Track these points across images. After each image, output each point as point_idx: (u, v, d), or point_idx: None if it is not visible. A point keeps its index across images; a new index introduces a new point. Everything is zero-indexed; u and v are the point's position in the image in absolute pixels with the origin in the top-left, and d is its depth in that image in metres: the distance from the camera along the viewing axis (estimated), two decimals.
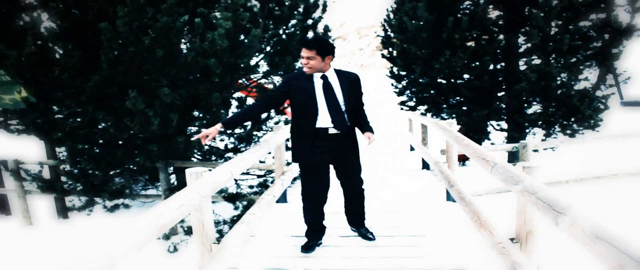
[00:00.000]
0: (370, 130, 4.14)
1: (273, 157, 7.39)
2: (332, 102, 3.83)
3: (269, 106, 4.19)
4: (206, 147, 8.85)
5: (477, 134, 10.65)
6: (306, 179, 4.15)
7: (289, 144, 7.42)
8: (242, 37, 7.10)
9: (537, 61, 9.70)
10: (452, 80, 10.80)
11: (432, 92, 12.07)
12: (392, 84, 15.64)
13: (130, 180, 9.11)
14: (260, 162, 8.03)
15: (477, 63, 10.30)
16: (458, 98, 11.21)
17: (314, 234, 4.36)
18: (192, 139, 4.19)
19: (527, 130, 10.59)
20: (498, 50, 10.25)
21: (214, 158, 8.85)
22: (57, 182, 8.83)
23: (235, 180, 9.23)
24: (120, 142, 7.35)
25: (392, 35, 16.20)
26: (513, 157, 9.88)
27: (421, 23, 10.21)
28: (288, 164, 6.24)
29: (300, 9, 9.03)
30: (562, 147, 10.58)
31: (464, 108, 10.88)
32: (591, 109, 9.34)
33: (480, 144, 9.41)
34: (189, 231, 8.01)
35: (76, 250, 6.83)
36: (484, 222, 3.75)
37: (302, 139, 3.97)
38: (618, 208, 6.87)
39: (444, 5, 9.91)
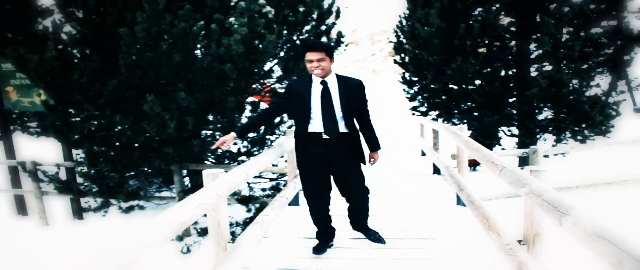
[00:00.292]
0: (376, 148, 4.18)
1: (285, 161, 7.53)
2: (327, 108, 3.82)
3: (276, 113, 4.28)
4: (220, 151, 8.98)
5: (488, 139, 10.69)
6: (304, 182, 4.21)
7: None
8: (257, 42, 7.22)
9: (548, 67, 9.74)
10: (464, 86, 10.85)
11: (443, 97, 12.14)
12: (404, 90, 15.72)
13: (145, 182, 9.25)
14: (273, 165, 8.15)
15: (489, 69, 10.36)
16: (469, 104, 11.26)
17: (324, 236, 4.44)
18: (212, 147, 4.31)
19: (537, 136, 10.62)
20: (509, 57, 10.31)
21: (227, 161, 8.98)
22: (74, 183, 8.99)
23: (248, 183, 9.36)
24: (136, 145, 7.50)
25: (404, 41, 16.29)
26: (523, 162, 9.91)
27: (433, 29, 10.30)
28: None
29: (314, 15, 9.15)
30: (573, 153, 10.59)
31: (475, 114, 10.93)
32: (603, 116, 9.35)
33: (491, 150, 9.47)
34: (202, 233, 8.14)
35: (92, 250, 6.98)
36: (492, 224, 3.83)
37: (298, 142, 4.06)
38: (628, 214, 6.87)
39: (456, 12, 9.99)
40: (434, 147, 9.26)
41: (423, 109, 14.04)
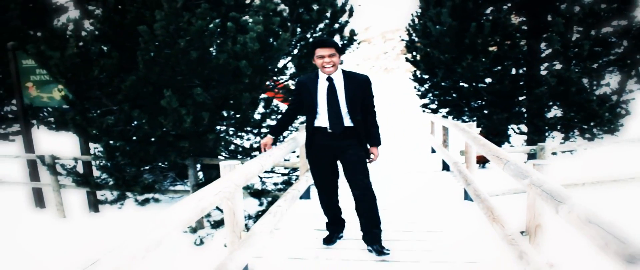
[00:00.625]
0: (377, 143, 4.22)
1: (297, 156, 7.69)
2: (332, 104, 3.96)
3: (295, 110, 4.46)
4: (232, 146, 9.16)
5: (498, 137, 10.79)
6: (313, 174, 4.40)
7: None
8: (272, 40, 7.38)
9: (558, 66, 9.83)
10: (474, 84, 10.96)
11: (454, 95, 12.23)
12: (415, 87, 15.80)
13: (160, 176, 9.46)
14: (285, 160, 8.31)
15: (499, 67, 10.46)
16: (479, 101, 11.37)
17: (334, 227, 4.60)
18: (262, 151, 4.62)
19: (546, 134, 10.70)
20: (520, 56, 10.40)
21: (240, 156, 9.16)
22: (91, 176, 9.21)
23: (260, 177, 9.53)
24: (153, 139, 7.69)
25: (416, 39, 16.35)
26: (532, 159, 10.01)
27: (445, 28, 10.42)
28: None
29: (328, 14, 9.30)
30: (581, 150, 10.64)
31: (485, 111, 11.04)
32: (611, 114, 9.42)
33: (500, 147, 9.58)
34: (215, 225, 8.33)
35: (108, 241, 7.17)
36: (496, 216, 3.99)
37: (307, 135, 4.25)
38: (632, 211, 6.95)
39: (467, 11, 10.10)
40: (443, 144, 9.38)
41: (433, 106, 14.13)
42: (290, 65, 9.37)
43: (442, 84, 12.47)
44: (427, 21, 12.41)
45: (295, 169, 9.25)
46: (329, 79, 3.97)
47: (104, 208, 9.58)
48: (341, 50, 3.98)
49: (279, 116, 8.65)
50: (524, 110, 10.70)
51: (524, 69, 10.66)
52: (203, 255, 7.75)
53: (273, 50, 7.32)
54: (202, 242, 8.12)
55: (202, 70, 7.18)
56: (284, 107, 9.45)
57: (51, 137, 11.79)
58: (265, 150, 4.44)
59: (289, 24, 8.60)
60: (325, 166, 4.26)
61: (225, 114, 7.80)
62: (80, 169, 9.47)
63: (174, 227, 2.33)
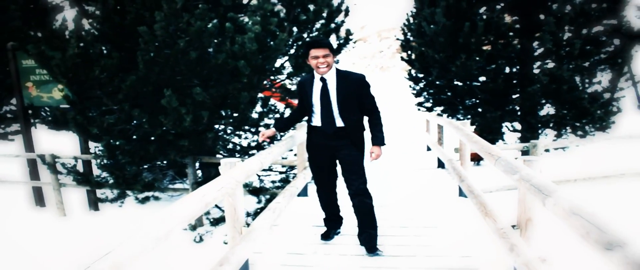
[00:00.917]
0: (380, 143, 4.17)
1: (295, 154, 7.80)
2: (325, 105, 4.05)
3: (301, 109, 4.53)
4: (231, 145, 9.28)
5: (492, 134, 10.93)
6: (312, 171, 4.55)
7: None
8: (269, 40, 7.49)
9: (550, 65, 9.97)
10: (468, 82, 11.09)
11: (448, 93, 12.37)
12: (410, 86, 15.92)
13: (159, 174, 9.55)
14: (283, 158, 8.43)
15: (493, 66, 10.60)
16: (473, 100, 11.51)
17: (332, 224, 4.73)
18: (259, 140, 4.78)
19: (539, 131, 10.85)
20: (513, 54, 10.54)
21: (238, 155, 9.26)
22: (91, 175, 9.28)
23: (259, 175, 9.65)
24: (153, 138, 7.78)
25: (411, 38, 16.49)
26: (525, 155, 10.14)
27: (439, 28, 10.56)
28: None
29: (324, 14, 9.41)
30: (573, 147, 10.79)
31: (479, 109, 11.18)
32: (603, 111, 9.58)
33: (494, 144, 9.71)
34: (214, 222, 8.43)
35: (108, 239, 7.26)
36: (489, 211, 4.13)
37: (307, 133, 4.41)
38: (623, 207, 7.08)
39: (461, 11, 10.23)
40: (438, 141, 9.50)
41: (428, 104, 14.26)
42: (287, 64, 9.47)
43: (437, 82, 12.62)
44: (421, 21, 12.54)
45: (292, 167, 9.37)
46: (322, 80, 4.05)
47: (104, 206, 9.63)
48: (335, 51, 4.06)
49: (277, 115, 8.80)
50: (518, 108, 10.84)
51: (517, 67, 10.80)
52: (203, 252, 7.85)
53: (270, 50, 7.43)
54: (201, 240, 8.22)
55: (201, 70, 7.28)
56: (281, 106, 9.58)
57: (51, 136, 11.84)
58: (262, 138, 4.57)
59: (286, 24, 8.71)
60: (323, 164, 4.38)
61: (224, 113, 7.90)
62: (80, 167, 9.52)
63: (181, 220, 2.47)
